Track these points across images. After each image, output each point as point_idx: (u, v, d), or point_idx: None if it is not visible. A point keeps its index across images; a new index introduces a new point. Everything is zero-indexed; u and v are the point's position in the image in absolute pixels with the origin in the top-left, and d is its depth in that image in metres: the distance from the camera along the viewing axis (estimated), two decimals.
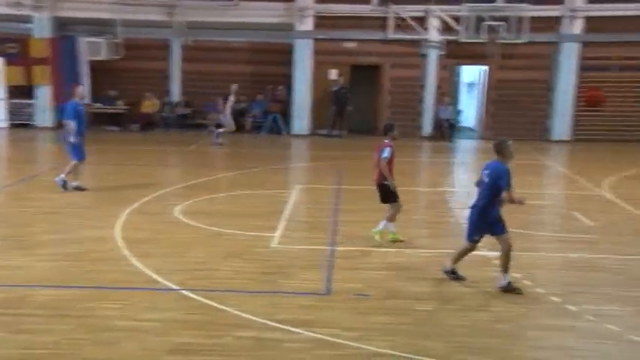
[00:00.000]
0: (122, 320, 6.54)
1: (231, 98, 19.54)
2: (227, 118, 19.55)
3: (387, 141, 9.18)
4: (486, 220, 7.54)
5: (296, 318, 6.67)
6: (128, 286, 7.50)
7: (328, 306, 7.06)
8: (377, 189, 9.40)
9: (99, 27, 22.01)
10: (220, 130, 19.48)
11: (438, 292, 7.55)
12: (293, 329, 6.40)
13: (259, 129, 22.58)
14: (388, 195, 9.27)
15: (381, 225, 9.28)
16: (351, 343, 6.12)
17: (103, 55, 21.72)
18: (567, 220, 11.51)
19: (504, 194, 7.41)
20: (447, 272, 7.91)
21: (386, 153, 9.07)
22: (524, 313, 7.00)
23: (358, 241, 9.48)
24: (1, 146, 19.38)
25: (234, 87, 19.61)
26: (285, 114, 22.57)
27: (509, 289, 7.49)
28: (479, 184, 7.73)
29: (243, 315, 6.72)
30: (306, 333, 6.32)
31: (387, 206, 9.45)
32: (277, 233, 9.88)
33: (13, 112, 22.21)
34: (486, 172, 7.59)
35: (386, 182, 9.17)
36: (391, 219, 9.33)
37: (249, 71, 23.03)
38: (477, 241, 7.76)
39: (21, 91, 22.09)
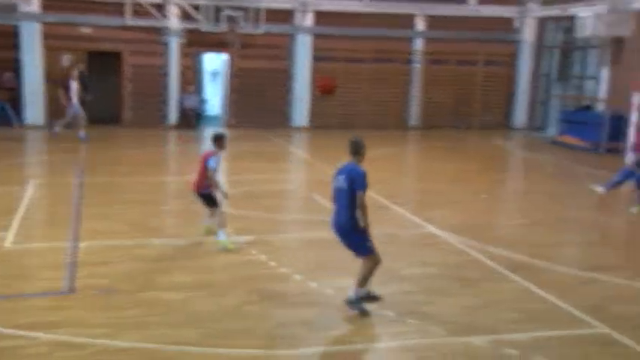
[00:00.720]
0: None
1: None
2: None
3: (214, 149, 8.82)
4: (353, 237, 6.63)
5: (37, 321, 6.24)
6: None
7: (73, 305, 6.72)
8: (198, 197, 8.94)
9: None
10: None
11: (189, 282, 7.56)
12: (32, 334, 5.98)
13: None
14: (213, 201, 8.84)
15: (221, 236, 8.74)
16: (96, 341, 5.89)
17: None
18: (307, 203, 12.26)
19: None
20: (353, 302, 6.69)
21: (212, 162, 8.64)
22: (270, 296, 7.29)
23: (103, 236, 9.14)
24: None
25: None
26: (16, 103, 20.67)
27: (366, 299, 6.72)
28: (336, 194, 6.71)
29: None
30: (47, 336, 5.95)
31: (210, 211, 9.03)
32: (12, 232, 9.09)
33: None
34: (342, 176, 6.61)
35: (207, 191, 8.76)
36: (223, 224, 8.82)
37: None
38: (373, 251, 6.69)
39: None
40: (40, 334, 5.97)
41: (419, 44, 23.56)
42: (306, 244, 9.40)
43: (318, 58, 22.84)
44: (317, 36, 22.76)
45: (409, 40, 23.58)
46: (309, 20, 22.62)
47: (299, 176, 15.60)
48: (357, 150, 6.73)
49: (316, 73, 22.95)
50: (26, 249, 8.54)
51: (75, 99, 18.27)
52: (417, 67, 23.56)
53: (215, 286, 7.46)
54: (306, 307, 6.98)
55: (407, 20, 23.32)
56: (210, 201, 8.88)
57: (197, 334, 6.16)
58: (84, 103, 19.51)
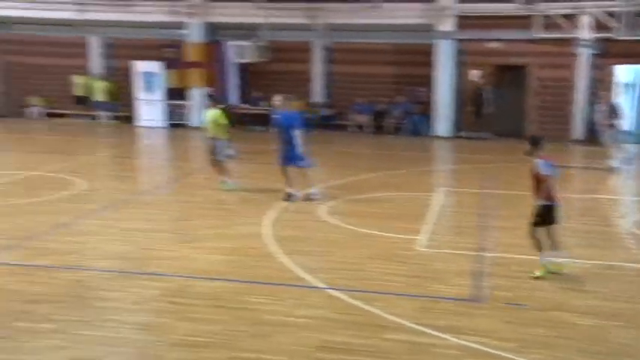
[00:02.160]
0: (273, 315, 6.75)
1: None
2: None
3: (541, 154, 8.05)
4: None
5: (445, 324, 6.57)
6: (279, 282, 7.74)
7: (479, 313, 6.89)
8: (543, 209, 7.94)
9: (246, 31, 22.92)
10: None
11: (599, 307, 7.12)
12: (442, 335, 6.31)
13: (399, 131, 22.49)
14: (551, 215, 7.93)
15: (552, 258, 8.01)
16: (504, 354, 5.93)
17: (249, 58, 22.57)
18: None
19: None
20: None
21: (545, 168, 7.87)
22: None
23: (509, 248, 9.17)
24: (161, 145, 20.64)
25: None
26: (427, 115, 22.32)
27: None
28: None
29: (391, 317, 6.72)
30: (456, 340, 6.21)
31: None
32: (423, 236, 9.79)
33: (170, 112, 23.63)
34: None
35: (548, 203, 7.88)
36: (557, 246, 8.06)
37: (390, 72, 23.00)
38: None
39: (176, 93, 23.48)
40: (449, 337, 6.27)
41: None
42: None
43: None
44: None
45: None
46: None
47: None
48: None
49: None
50: (436, 253, 9.05)
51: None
52: None
53: (631, 318, 6.85)
54: None
55: None
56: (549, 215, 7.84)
57: None
58: (480, 116, 19.91)
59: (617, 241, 9.32)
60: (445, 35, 21.54)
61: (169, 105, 23.49)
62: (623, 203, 12.79)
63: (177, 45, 23.20)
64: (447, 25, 21.52)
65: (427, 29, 21.64)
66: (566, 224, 10.12)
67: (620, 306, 7.18)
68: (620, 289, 7.73)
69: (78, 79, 24.14)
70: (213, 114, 12.89)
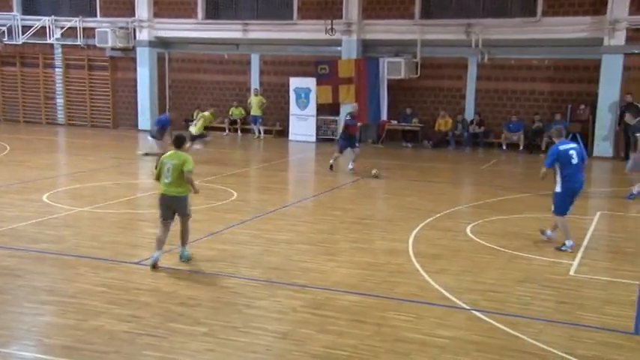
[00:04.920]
0: (413, 333, 6.67)
1: None
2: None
3: None
4: None
5: (599, 355, 6.16)
6: (420, 300, 7.65)
7: (636, 347, 6.39)
8: None
9: (399, 47, 23.03)
10: None
11: None
12: None
13: None
14: None
15: None
16: None
17: (401, 75, 22.64)
18: None
19: None
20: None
21: None
22: None
23: None
24: (310, 159, 21.22)
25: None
26: (587, 135, 21.10)
27: None
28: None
29: (538, 344, 6.41)
30: None
31: None
32: (576, 261, 9.28)
33: (320, 127, 24.24)
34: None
35: None
36: None
37: (547, 89, 22.08)
38: None
39: (327, 109, 24.06)
40: None
41: None
42: None
43: None
44: None
45: None
46: None
47: None
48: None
49: None
50: (590, 280, 8.54)
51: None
52: None
53: None
54: None
55: None
56: None
57: None
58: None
59: None
60: (614, 50, 20.26)
61: (319, 120, 24.10)
62: None
63: (331, 62, 23.81)
64: (618, 39, 20.25)
65: (592, 44, 20.51)
66: None
67: None
68: None
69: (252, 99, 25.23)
70: None
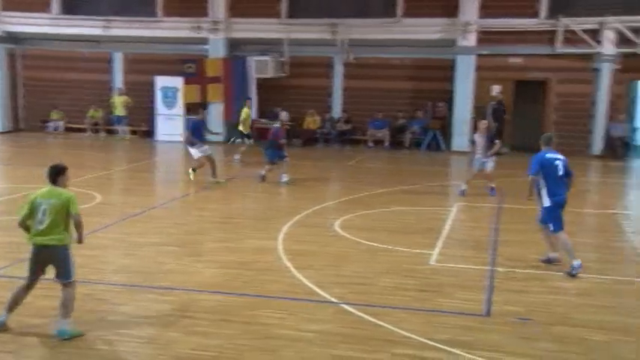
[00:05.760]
0: (282, 329, 6.75)
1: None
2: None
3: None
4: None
5: (455, 338, 6.52)
6: (289, 297, 7.74)
7: (489, 328, 6.84)
8: None
9: (266, 46, 23.12)
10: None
11: (609, 322, 7.03)
12: (452, 350, 6.26)
13: (418, 145, 22.47)
14: None
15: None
16: None
17: (269, 73, 22.76)
18: None
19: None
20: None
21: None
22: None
23: (520, 263, 9.13)
24: (179, 159, 20.80)
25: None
26: (445, 131, 22.27)
27: None
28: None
29: (401, 332, 6.68)
30: (466, 355, 6.16)
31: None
32: (436, 251, 9.75)
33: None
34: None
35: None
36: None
37: (409, 87, 23.02)
38: None
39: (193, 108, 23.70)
40: (458, 351, 6.22)
41: None
42: None
43: None
44: None
45: None
46: None
47: None
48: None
49: None
50: (447, 268, 9.02)
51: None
52: None
53: None
54: None
55: None
56: None
57: None
58: (500, 134, 19.67)
59: (630, 257, 9.20)
60: (466, 50, 21.49)
61: (186, 120, 23.68)
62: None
63: (197, 60, 23.46)
64: (469, 41, 21.48)
65: (447, 45, 21.64)
66: (580, 239, 10.07)
67: (631, 321, 7.08)
68: (631, 304, 7.63)
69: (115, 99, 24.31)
70: None
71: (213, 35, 23.16)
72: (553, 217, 8.74)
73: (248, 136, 18.97)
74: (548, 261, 9.03)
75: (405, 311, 7.31)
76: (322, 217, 11.94)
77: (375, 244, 10.06)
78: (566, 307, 7.51)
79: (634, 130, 23.01)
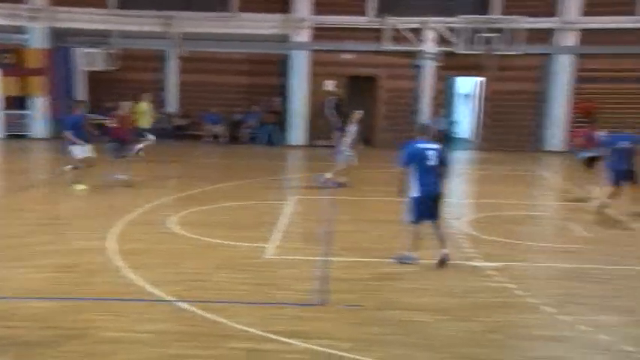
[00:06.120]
0: (114, 332, 6.50)
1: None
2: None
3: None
4: None
5: (290, 329, 6.65)
6: (122, 298, 7.47)
7: (322, 317, 7.04)
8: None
9: (95, 38, 22.07)
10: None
11: (430, 303, 7.54)
12: (288, 340, 6.37)
13: (255, 140, 22.62)
14: None
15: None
16: (344, 354, 6.10)
17: (99, 66, 21.76)
18: (560, 230, 11.54)
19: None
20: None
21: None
22: (515, 325, 6.98)
23: (353, 252, 9.49)
24: None
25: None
26: (281, 125, 22.61)
27: None
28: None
29: (238, 326, 6.70)
30: (300, 344, 6.30)
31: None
32: (271, 244, 9.87)
33: (8, 123, 22.17)
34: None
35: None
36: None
37: (245, 82, 23.09)
38: None
39: (15, 102, 22.10)
40: (293, 342, 6.35)
41: None
42: (557, 275, 8.82)
43: (580, 79, 21.54)
44: (580, 56, 21.49)
45: None
46: (571, 39, 21.44)
47: (550, 202, 14.74)
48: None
49: (577, 95, 21.65)
50: (283, 260, 9.15)
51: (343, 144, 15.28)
52: None
53: (458, 311, 7.32)
54: (554, 341, 6.53)
55: None
56: None
57: (436, 358, 6.10)
58: (343, 131, 20.34)
59: (453, 241, 9.88)
60: (300, 46, 21.94)
61: (5, 115, 22.03)
62: (459, 205, 13.59)
63: (16, 50, 21.84)
64: (303, 36, 21.94)
65: (282, 40, 21.95)
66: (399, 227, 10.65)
67: (449, 301, 7.63)
68: (452, 285, 8.22)
69: None
70: None
71: (33, 24, 21.67)
72: (414, 207, 8.57)
73: (149, 132, 17.82)
74: (443, 262, 8.74)
75: (241, 305, 7.34)
76: (156, 215, 11.65)
77: (210, 240, 9.98)
78: (395, 292, 7.93)
79: (453, 123, 24.78)
